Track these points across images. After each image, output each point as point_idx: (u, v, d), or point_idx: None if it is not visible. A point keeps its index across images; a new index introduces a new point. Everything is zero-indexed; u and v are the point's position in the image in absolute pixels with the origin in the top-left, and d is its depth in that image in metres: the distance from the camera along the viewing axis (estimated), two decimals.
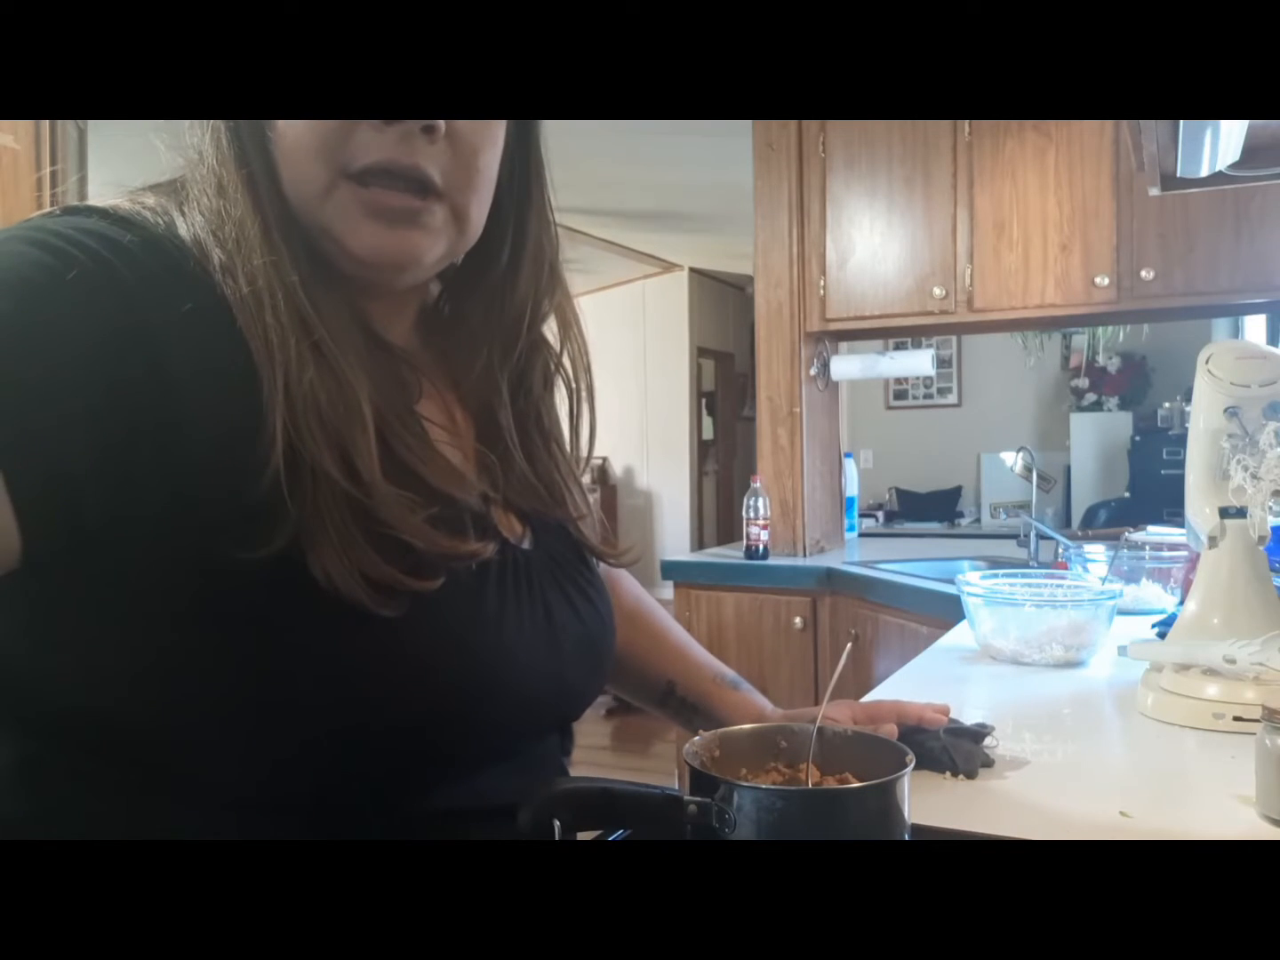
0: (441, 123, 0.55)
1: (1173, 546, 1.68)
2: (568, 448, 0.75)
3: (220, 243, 0.55)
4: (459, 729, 0.57)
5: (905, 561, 2.63)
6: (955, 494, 6.47)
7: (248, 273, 0.54)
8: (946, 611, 1.93)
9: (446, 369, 0.69)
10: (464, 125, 0.58)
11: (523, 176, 0.68)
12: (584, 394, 0.74)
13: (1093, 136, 2.41)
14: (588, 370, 0.74)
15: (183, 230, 0.56)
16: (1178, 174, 1.29)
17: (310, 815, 0.53)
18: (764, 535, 2.73)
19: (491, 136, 0.61)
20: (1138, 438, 5.70)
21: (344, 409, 0.54)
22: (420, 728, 0.55)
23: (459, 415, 0.69)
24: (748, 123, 2.90)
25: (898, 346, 4.94)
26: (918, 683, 1.27)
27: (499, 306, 0.69)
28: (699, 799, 0.54)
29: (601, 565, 0.77)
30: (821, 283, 2.76)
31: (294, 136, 0.56)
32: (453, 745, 0.57)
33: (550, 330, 0.72)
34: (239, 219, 0.55)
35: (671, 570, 2.81)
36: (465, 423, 0.69)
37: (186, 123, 0.58)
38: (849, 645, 0.73)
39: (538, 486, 0.69)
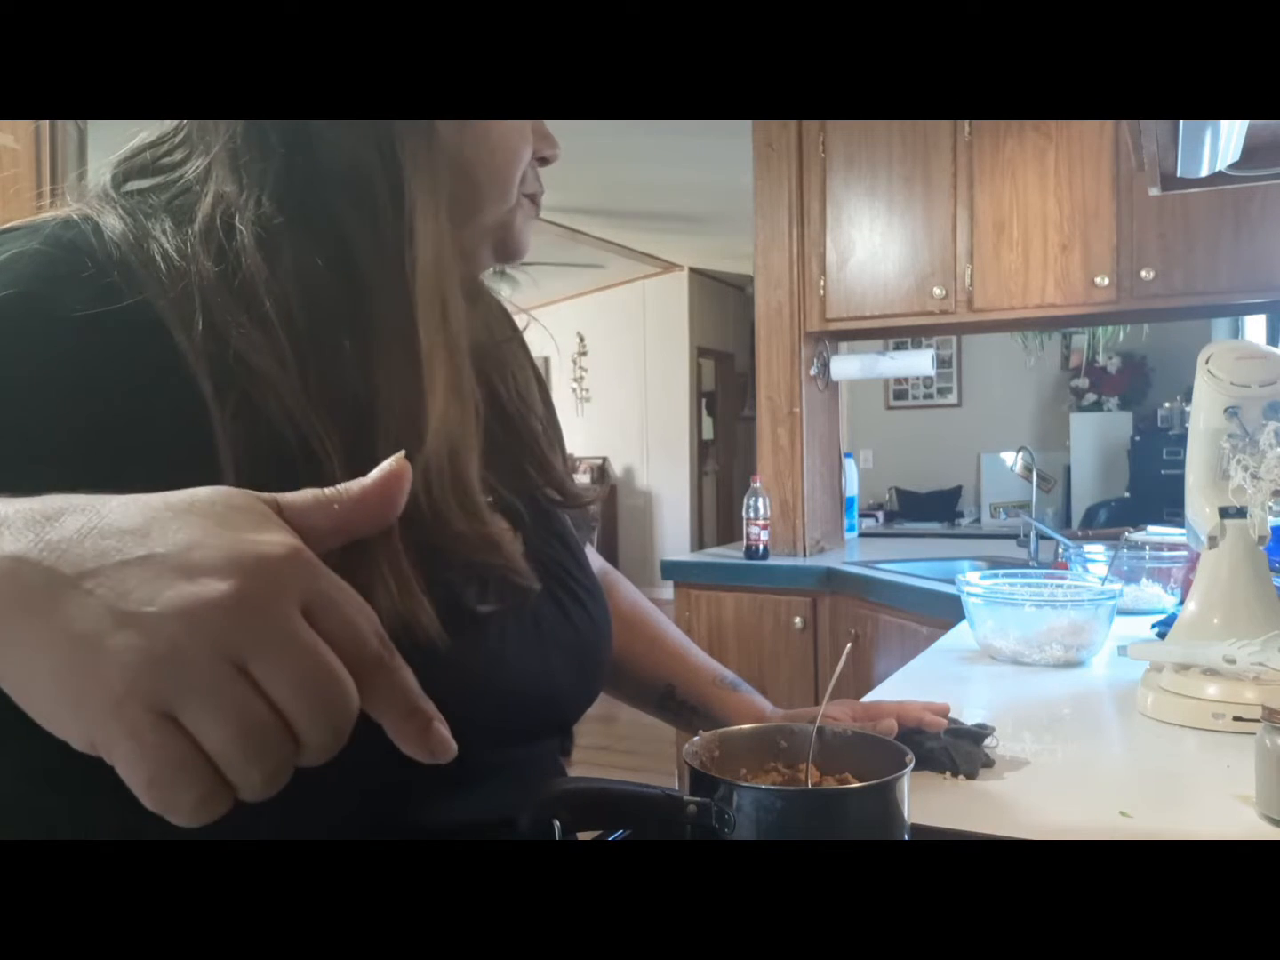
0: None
1: (1173, 546, 1.68)
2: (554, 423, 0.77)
3: (277, 264, 0.53)
4: None
5: (905, 561, 2.63)
6: (955, 494, 6.47)
7: (393, 289, 0.54)
8: (946, 611, 1.93)
9: None
10: None
11: None
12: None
13: (1093, 136, 2.41)
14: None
15: (164, 245, 0.52)
16: (1178, 174, 1.29)
17: (303, 828, 0.52)
18: (764, 535, 2.73)
19: None
20: (1138, 438, 5.70)
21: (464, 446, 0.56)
22: None
23: None
24: (748, 123, 2.90)
25: (898, 346, 4.94)
26: (918, 683, 1.27)
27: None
28: (699, 799, 0.54)
29: (599, 570, 0.76)
30: (821, 283, 2.76)
31: (500, 163, 0.62)
32: None
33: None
34: (420, 230, 0.55)
35: (671, 570, 2.81)
36: None
37: (309, 123, 0.55)
38: (849, 645, 0.73)
39: (523, 453, 0.70)
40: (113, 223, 0.53)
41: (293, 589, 0.31)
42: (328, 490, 0.35)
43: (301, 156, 0.55)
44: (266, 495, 0.34)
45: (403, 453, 0.36)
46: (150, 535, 0.31)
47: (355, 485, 0.35)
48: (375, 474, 0.35)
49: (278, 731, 0.30)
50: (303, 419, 0.51)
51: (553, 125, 0.68)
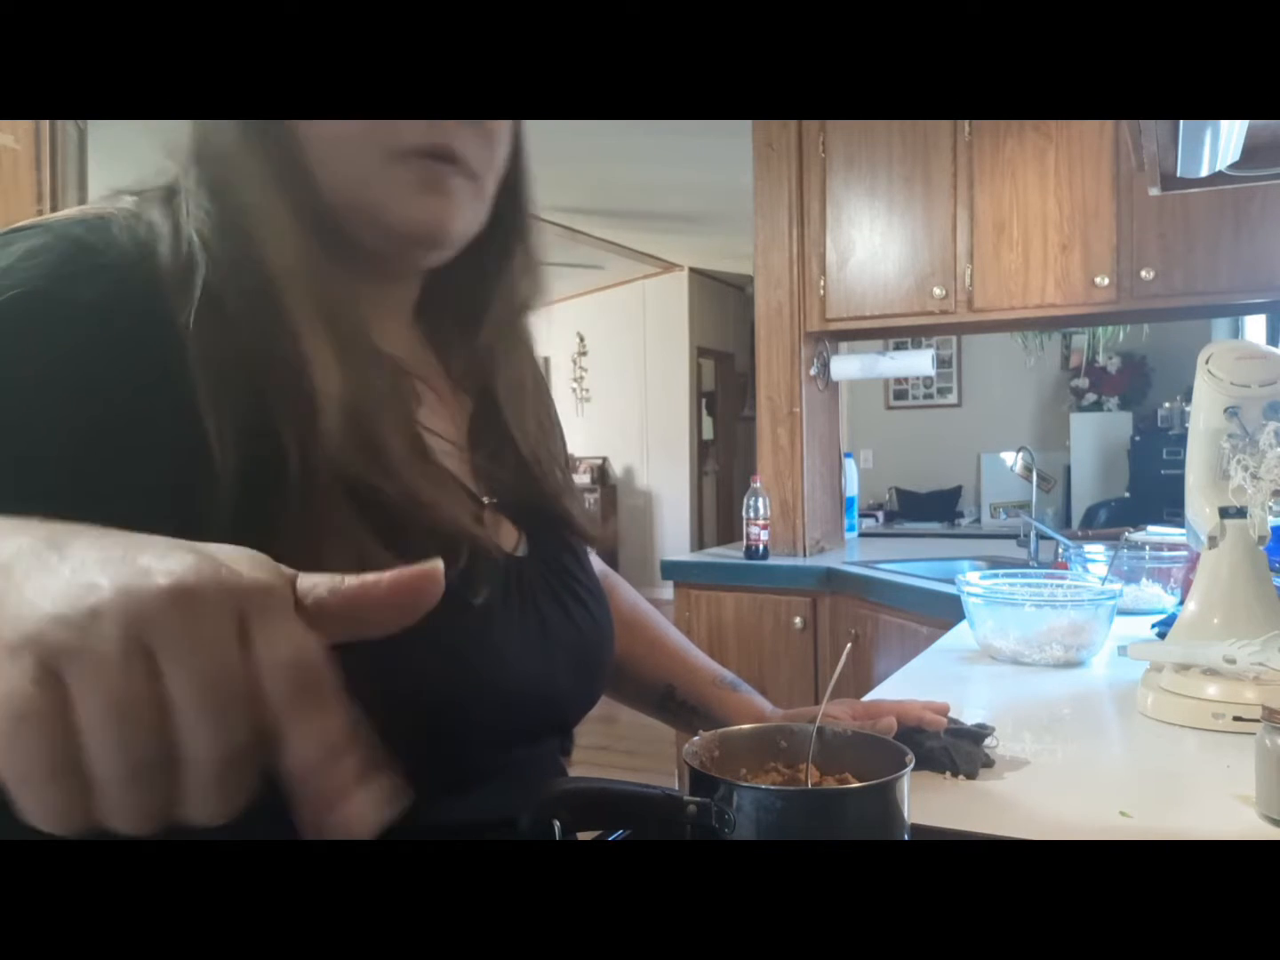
0: None
1: (1173, 546, 1.68)
2: (556, 429, 0.77)
3: (213, 257, 0.53)
4: (448, 739, 0.56)
5: (905, 561, 2.63)
6: (955, 494, 6.47)
7: (259, 274, 0.54)
8: (946, 611, 1.93)
9: (442, 359, 0.70)
10: None
11: (517, 168, 0.68)
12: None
13: (1093, 136, 2.41)
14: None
15: (164, 246, 0.53)
16: (1178, 174, 1.29)
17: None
18: (764, 535, 2.73)
19: (505, 123, 0.64)
20: (1138, 438, 5.70)
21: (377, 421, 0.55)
22: (408, 740, 0.54)
23: (455, 403, 0.68)
24: (748, 123, 2.90)
25: (898, 346, 4.94)
26: (918, 683, 1.27)
27: (493, 288, 0.70)
28: (699, 799, 0.54)
29: (599, 573, 0.76)
30: (821, 283, 2.76)
31: (336, 128, 0.57)
32: (443, 756, 0.56)
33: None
34: (257, 217, 0.55)
35: (671, 570, 2.81)
36: (461, 410, 0.68)
37: (189, 123, 0.58)
38: (849, 645, 0.73)
39: (530, 468, 0.70)
40: (122, 220, 0.54)
41: (236, 607, 0.30)
42: (346, 577, 0.33)
43: (207, 152, 0.57)
44: (286, 569, 0.33)
45: (439, 561, 0.34)
46: (142, 544, 0.31)
47: (371, 577, 0.33)
48: (395, 574, 0.33)
49: (157, 726, 0.28)
50: (276, 403, 0.53)
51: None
